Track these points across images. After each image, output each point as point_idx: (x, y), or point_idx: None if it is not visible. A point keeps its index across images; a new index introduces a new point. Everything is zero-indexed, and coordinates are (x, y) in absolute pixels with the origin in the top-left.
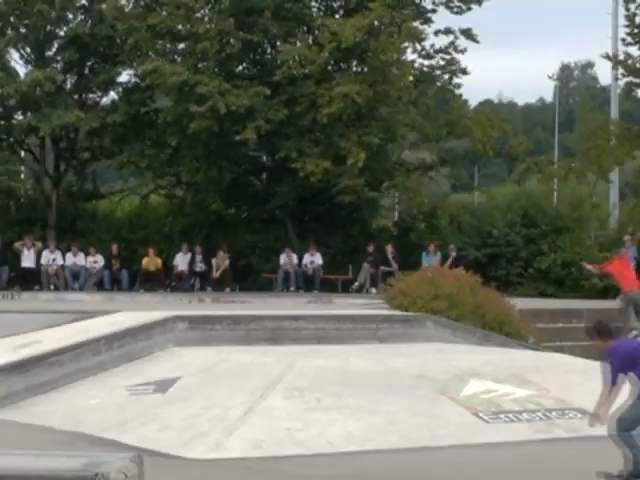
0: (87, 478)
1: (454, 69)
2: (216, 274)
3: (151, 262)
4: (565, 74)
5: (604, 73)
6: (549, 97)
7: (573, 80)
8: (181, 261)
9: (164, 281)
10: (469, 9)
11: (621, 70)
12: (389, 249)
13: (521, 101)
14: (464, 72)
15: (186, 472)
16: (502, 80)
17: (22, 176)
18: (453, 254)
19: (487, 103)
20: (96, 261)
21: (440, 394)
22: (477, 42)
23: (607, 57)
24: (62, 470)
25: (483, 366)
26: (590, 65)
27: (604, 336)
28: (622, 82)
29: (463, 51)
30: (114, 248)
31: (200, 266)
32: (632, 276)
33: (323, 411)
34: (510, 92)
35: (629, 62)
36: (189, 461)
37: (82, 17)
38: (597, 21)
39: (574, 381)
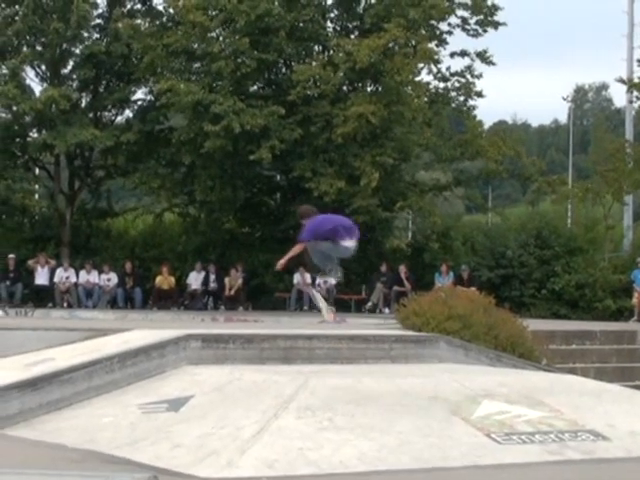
0: None
1: (469, 91)
2: (229, 293)
3: (165, 281)
4: (579, 96)
5: (619, 95)
6: (563, 119)
7: (587, 102)
8: (194, 280)
9: (177, 299)
10: (485, 31)
11: (636, 93)
12: (402, 269)
13: (535, 122)
14: (479, 95)
15: None
16: (516, 101)
17: (37, 196)
18: (465, 274)
19: (501, 124)
20: (110, 279)
21: (453, 415)
22: (493, 64)
23: (621, 81)
24: None
25: (496, 387)
26: (605, 87)
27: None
28: (637, 104)
29: (479, 76)
30: (127, 266)
31: (213, 285)
32: None
33: (335, 431)
34: (524, 113)
35: None
36: None
37: (98, 36)
38: (612, 44)
39: (587, 403)
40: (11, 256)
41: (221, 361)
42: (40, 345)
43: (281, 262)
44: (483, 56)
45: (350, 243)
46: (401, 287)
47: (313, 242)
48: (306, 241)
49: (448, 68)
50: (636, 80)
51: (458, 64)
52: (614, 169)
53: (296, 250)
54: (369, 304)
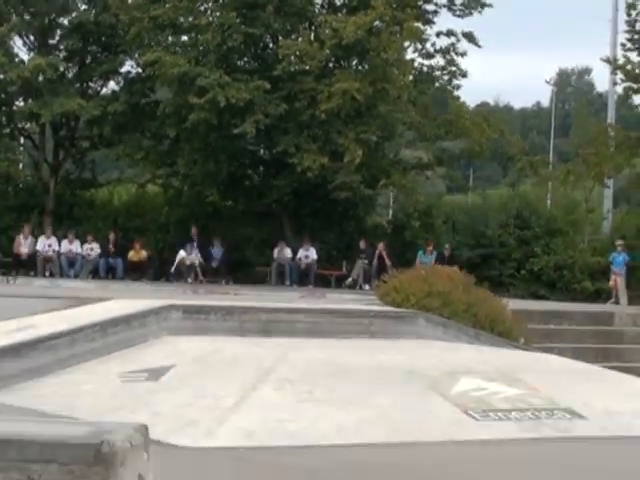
0: (93, 445)
1: (454, 71)
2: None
3: (135, 255)
4: (562, 79)
5: (601, 80)
6: (545, 102)
7: (570, 86)
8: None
9: (148, 270)
10: (470, 14)
11: (620, 75)
12: (380, 247)
13: (517, 105)
14: (464, 75)
15: (177, 459)
16: (499, 83)
17: (21, 165)
18: (447, 253)
19: (484, 106)
20: (92, 248)
21: (431, 390)
22: (479, 46)
23: (607, 61)
24: (67, 436)
25: (474, 364)
26: (587, 71)
27: None
28: (620, 87)
29: (463, 54)
30: (111, 236)
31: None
32: None
33: (314, 403)
34: (507, 95)
35: (628, 67)
36: (180, 448)
37: (86, 6)
38: (596, 28)
39: (563, 382)
40: None
41: (202, 332)
42: (22, 312)
43: None
44: (470, 37)
45: None
46: (382, 264)
47: None
48: None
49: (433, 44)
50: (621, 62)
51: (444, 43)
52: (596, 153)
53: None
54: (349, 280)
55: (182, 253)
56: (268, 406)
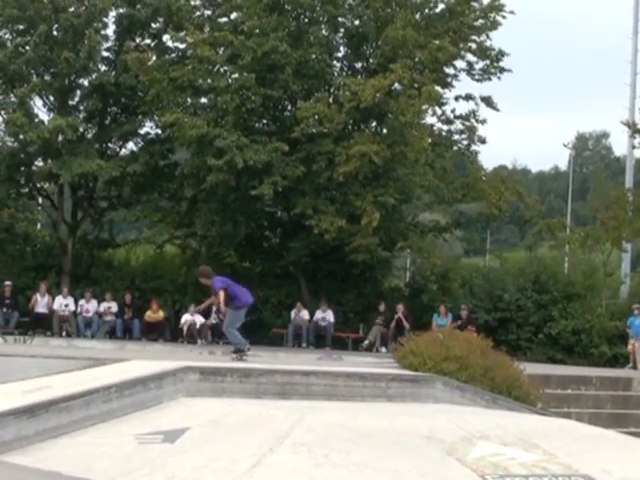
0: None
1: (472, 136)
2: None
3: (152, 315)
4: (580, 143)
5: (619, 144)
6: (563, 165)
7: (587, 150)
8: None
9: (164, 332)
10: (489, 79)
11: (638, 139)
12: (400, 309)
13: (535, 168)
14: (482, 141)
15: None
16: (517, 146)
17: (39, 225)
18: (464, 314)
19: (501, 169)
20: (110, 307)
21: (448, 455)
22: (497, 110)
23: (626, 124)
24: None
25: (491, 429)
26: (605, 135)
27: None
28: (639, 151)
29: (483, 122)
30: (127, 298)
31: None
32: None
33: (331, 467)
34: (525, 159)
35: None
36: None
37: (106, 68)
38: (614, 92)
39: (581, 447)
40: (7, 283)
41: (218, 394)
42: (39, 373)
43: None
44: (488, 101)
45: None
46: (399, 327)
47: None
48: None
49: (453, 110)
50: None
51: (462, 107)
52: (615, 217)
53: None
54: (366, 342)
55: (184, 317)
56: (284, 470)
